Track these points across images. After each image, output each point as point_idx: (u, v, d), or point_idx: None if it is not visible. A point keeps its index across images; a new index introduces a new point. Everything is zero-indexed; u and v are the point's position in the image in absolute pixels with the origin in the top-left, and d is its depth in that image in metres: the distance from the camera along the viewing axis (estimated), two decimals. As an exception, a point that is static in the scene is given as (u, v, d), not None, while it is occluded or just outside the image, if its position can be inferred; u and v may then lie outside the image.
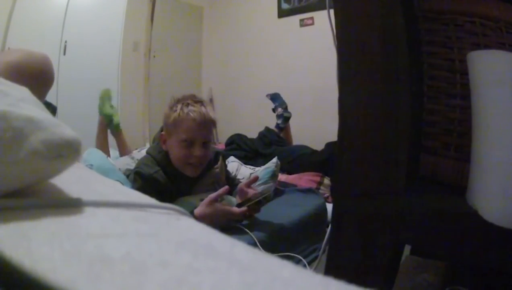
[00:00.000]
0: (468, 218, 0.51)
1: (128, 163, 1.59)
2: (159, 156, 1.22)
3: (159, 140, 1.25)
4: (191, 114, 1.15)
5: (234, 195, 1.32)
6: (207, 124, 1.19)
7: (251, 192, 1.19)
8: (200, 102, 1.20)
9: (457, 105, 0.63)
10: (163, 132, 1.24)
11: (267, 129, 2.44)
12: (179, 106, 1.18)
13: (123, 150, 1.98)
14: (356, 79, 0.58)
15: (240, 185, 1.25)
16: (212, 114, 1.20)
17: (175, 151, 1.19)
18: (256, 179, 1.26)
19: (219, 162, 1.35)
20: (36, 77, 0.78)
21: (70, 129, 0.30)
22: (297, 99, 3.03)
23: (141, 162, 1.24)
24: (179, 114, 1.15)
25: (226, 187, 1.12)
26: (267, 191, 1.15)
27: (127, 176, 1.42)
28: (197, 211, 1.08)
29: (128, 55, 3.09)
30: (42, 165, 0.27)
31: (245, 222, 1.18)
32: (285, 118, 2.45)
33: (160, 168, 1.19)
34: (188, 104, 1.17)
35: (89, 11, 2.79)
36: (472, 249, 0.51)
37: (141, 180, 1.16)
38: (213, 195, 1.08)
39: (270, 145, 2.28)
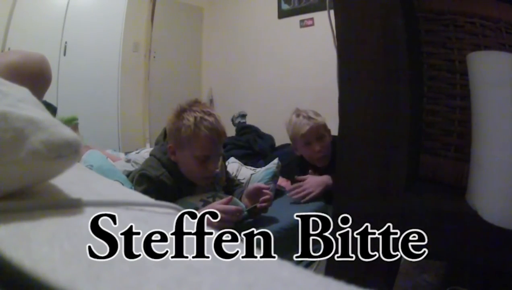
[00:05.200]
0: (468, 218, 0.51)
1: (125, 165, 1.59)
2: (164, 158, 1.21)
3: (167, 145, 1.22)
4: (206, 131, 1.11)
5: (235, 196, 1.32)
6: (221, 139, 1.19)
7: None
8: (212, 114, 1.16)
9: (457, 105, 0.63)
10: (170, 145, 1.19)
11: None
12: (191, 119, 1.12)
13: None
14: (356, 79, 0.58)
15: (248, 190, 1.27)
16: (223, 126, 1.18)
17: (189, 166, 1.17)
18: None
19: (219, 163, 1.35)
20: (35, 77, 0.79)
21: (70, 129, 0.30)
22: (297, 99, 3.02)
23: (146, 164, 1.23)
24: (193, 130, 1.11)
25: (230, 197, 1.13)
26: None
27: (127, 177, 1.41)
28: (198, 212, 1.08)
29: (128, 56, 3.09)
30: (42, 166, 0.27)
31: (249, 220, 1.19)
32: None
33: (165, 170, 1.18)
34: (201, 119, 1.12)
35: (89, 12, 2.79)
36: (472, 249, 0.51)
37: (147, 182, 1.14)
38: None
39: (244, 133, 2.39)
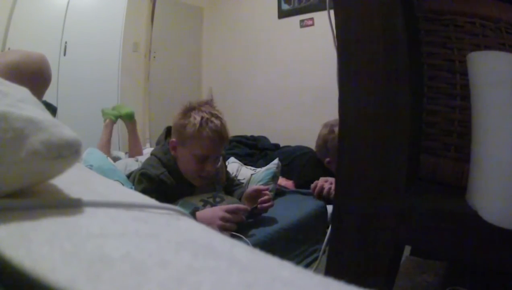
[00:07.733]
0: (468, 219, 0.51)
1: (129, 164, 1.60)
2: (165, 158, 1.22)
3: (168, 145, 1.23)
4: (210, 132, 1.13)
5: (235, 196, 1.32)
6: (223, 142, 1.20)
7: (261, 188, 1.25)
8: (219, 118, 1.18)
9: (457, 105, 0.63)
10: (173, 139, 1.21)
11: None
12: (198, 118, 1.14)
13: (136, 145, 2.01)
14: (356, 79, 0.58)
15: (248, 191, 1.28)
16: (227, 131, 1.20)
17: (187, 163, 1.18)
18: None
19: (219, 163, 1.36)
20: (36, 76, 0.79)
21: (70, 129, 0.30)
22: (297, 99, 3.03)
23: (146, 163, 1.24)
24: (198, 129, 1.13)
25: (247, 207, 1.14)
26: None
27: (128, 177, 1.42)
28: (198, 213, 1.08)
29: (128, 56, 3.09)
30: (42, 166, 0.27)
31: (250, 219, 1.20)
32: None
33: (165, 169, 1.19)
34: (207, 120, 1.14)
35: (89, 12, 2.79)
36: (472, 249, 0.51)
37: (146, 181, 1.15)
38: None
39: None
